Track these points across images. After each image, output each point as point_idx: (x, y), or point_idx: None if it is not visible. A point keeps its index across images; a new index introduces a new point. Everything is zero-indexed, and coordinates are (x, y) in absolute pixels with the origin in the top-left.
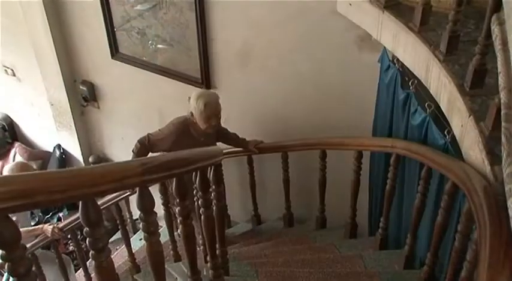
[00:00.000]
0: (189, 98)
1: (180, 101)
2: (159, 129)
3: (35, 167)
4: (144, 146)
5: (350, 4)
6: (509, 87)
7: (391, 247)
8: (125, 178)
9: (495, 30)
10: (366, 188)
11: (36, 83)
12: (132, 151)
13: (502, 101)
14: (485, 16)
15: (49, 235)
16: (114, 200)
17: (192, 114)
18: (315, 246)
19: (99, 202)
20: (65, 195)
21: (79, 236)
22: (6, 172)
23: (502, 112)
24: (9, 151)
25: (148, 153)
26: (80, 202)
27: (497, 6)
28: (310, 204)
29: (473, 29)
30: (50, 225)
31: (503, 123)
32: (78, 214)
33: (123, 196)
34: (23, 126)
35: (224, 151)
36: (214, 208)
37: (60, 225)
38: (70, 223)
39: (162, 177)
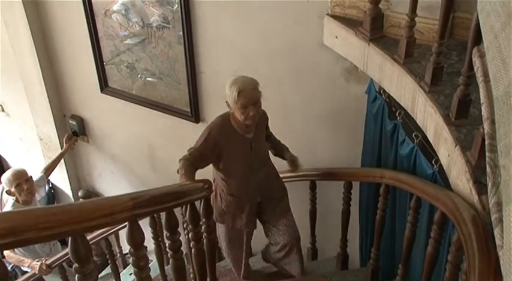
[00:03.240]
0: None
1: (170, 134)
2: (198, 138)
3: None
4: (188, 160)
5: (336, 37)
6: (492, 118)
7: (383, 277)
8: (115, 212)
9: (476, 62)
10: (357, 219)
11: (25, 118)
12: (177, 171)
13: (485, 131)
14: (467, 48)
15: (36, 272)
16: (103, 235)
17: (228, 104)
18: (307, 278)
19: (89, 237)
20: (55, 231)
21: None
22: (3, 181)
23: (486, 142)
24: None
25: (196, 169)
26: (70, 238)
27: (478, 39)
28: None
29: (457, 60)
30: (38, 261)
31: (487, 153)
32: (67, 250)
33: (113, 230)
34: (11, 162)
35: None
36: (204, 241)
37: (48, 261)
38: (59, 259)
39: (153, 211)
